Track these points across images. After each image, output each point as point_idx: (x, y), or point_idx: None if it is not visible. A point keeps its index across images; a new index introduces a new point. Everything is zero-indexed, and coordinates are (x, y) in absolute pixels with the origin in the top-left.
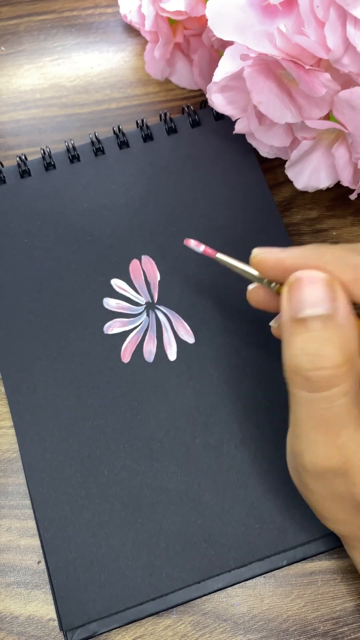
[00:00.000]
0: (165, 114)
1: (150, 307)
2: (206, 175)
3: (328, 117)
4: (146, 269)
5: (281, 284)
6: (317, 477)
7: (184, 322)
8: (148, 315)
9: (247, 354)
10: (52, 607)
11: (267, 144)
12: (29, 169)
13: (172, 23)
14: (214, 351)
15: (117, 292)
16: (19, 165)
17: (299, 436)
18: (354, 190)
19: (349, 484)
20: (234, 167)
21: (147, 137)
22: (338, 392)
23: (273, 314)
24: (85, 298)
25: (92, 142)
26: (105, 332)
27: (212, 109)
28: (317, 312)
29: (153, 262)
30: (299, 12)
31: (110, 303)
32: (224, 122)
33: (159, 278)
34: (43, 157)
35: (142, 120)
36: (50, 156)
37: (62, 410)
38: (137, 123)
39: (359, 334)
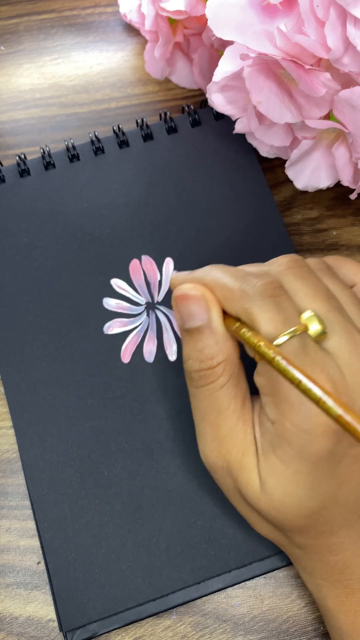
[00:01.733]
0: (165, 114)
1: (150, 307)
2: (206, 174)
3: (328, 116)
4: (146, 268)
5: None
6: (212, 472)
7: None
8: (148, 315)
9: (247, 354)
10: (52, 608)
11: (267, 144)
12: (28, 168)
13: (172, 22)
14: None
15: (117, 292)
16: (18, 164)
17: (197, 432)
18: (354, 190)
19: (233, 480)
20: (234, 167)
21: (147, 137)
22: (215, 386)
23: None
24: (85, 298)
25: (92, 142)
26: (105, 332)
27: (212, 108)
28: (196, 324)
29: (153, 262)
30: (299, 11)
31: (110, 303)
32: (224, 121)
33: (159, 278)
34: (43, 157)
35: (142, 120)
36: (49, 155)
37: (62, 411)
38: (137, 122)
39: (234, 338)
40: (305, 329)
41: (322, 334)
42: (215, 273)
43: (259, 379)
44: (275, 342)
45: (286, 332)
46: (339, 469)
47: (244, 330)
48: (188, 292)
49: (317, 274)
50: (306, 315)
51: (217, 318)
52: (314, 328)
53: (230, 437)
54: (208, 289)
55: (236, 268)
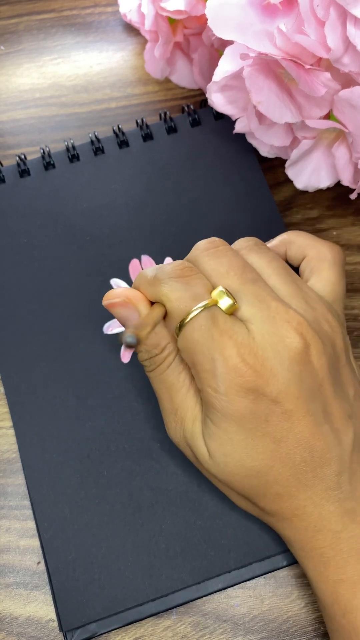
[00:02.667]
0: (165, 113)
1: None
2: (206, 174)
3: (328, 116)
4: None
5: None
6: (179, 448)
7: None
8: None
9: None
10: (52, 608)
11: (267, 144)
12: (28, 169)
13: (172, 22)
14: None
15: None
16: (18, 164)
17: (162, 413)
18: (354, 189)
19: (191, 451)
20: (234, 167)
21: (147, 137)
22: (163, 366)
23: None
24: (85, 298)
25: (92, 142)
26: (105, 332)
27: (212, 108)
28: (131, 323)
29: (153, 261)
30: (299, 11)
31: None
32: (224, 121)
33: None
34: (42, 157)
35: (142, 120)
36: (49, 155)
37: (61, 411)
38: (136, 122)
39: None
40: (214, 303)
41: (233, 306)
42: (141, 272)
43: (180, 352)
44: (187, 319)
45: (195, 308)
46: (270, 427)
47: (152, 313)
48: (112, 300)
49: (241, 252)
50: (216, 291)
51: (146, 311)
52: (225, 302)
53: (182, 407)
54: (132, 289)
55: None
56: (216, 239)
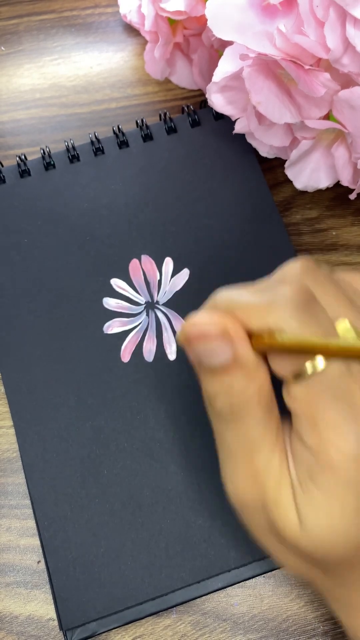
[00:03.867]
0: (165, 114)
1: (149, 306)
2: (206, 175)
3: (328, 116)
4: (146, 268)
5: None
6: (242, 510)
7: (183, 321)
8: (148, 314)
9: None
10: (52, 607)
11: (266, 144)
12: (28, 169)
13: (172, 23)
14: None
15: (117, 292)
16: (18, 164)
17: (223, 469)
18: (353, 190)
19: (266, 518)
20: (233, 167)
21: (147, 137)
22: (249, 420)
23: None
24: (85, 298)
25: (92, 142)
26: (105, 332)
27: (211, 108)
28: (219, 362)
29: (153, 261)
30: (299, 12)
31: (110, 303)
32: (224, 121)
33: (158, 278)
34: (43, 157)
35: (142, 120)
36: (50, 156)
37: (62, 410)
38: (136, 123)
39: (264, 365)
40: None
41: None
42: (228, 293)
43: (291, 402)
44: (313, 367)
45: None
46: None
47: (288, 338)
48: (204, 329)
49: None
50: (342, 326)
51: (246, 349)
52: (355, 342)
53: (265, 471)
54: (225, 314)
55: (247, 284)
56: (308, 258)
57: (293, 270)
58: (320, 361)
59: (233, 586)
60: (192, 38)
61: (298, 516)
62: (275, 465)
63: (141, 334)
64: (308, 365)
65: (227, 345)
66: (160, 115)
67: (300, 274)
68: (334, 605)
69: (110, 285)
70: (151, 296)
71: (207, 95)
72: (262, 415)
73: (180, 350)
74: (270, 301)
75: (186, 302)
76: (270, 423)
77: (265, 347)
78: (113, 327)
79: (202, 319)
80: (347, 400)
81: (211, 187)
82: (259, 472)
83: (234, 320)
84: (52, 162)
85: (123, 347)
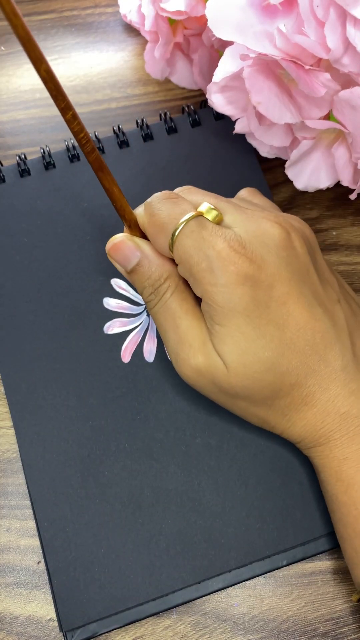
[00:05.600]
0: (165, 114)
1: None
2: (206, 175)
3: (328, 117)
4: None
5: None
6: (190, 381)
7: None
8: (148, 315)
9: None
10: (52, 608)
11: (267, 144)
12: (28, 168)
13: (172, 23)
14: None
15: (117, 292)
16: (18, 164)
17: (166, 349)
18: (353, 190)
19: (205, 376)
20: (234, 167)
21: (147, 137)
22: (165, 296)
23: None
24: (85, 298)
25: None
26: (105, 332)
27: (212, 108)
28: (134, 262)
29: None
30: (299, 12)
31: (110, 303)
32: (224, 121)
33: None
34: (43, 157)
35: (142, 120)
36: (50, 155)
37: (62, 410)
38: (137, 123)
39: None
40: (201, 214)
41: (218, 216)
42: (141, 208)
43: (179, 269)
44: (178, 229)
45: (184, 218)
46: (271, 313)
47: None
48: (115, 241)
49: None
50: (202, 207)
51: (147, 246)
52: (210, 213)
53: (189, 333)
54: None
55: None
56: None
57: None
58: (183, 224)
59: (233, 587)
60: (193, 38)
61: (220, 358)
62: (197, 328)
63: (142, 334)
64: (177, 230)
65: (132, 246)
66: (160, 115)
67: (179, 190)
68: (299, 447)
69: (111, 285)
70: None
71: (207, 95)
72: (176, 291)
73: None
74: (147, 204)
75: None
76: (185, 296)
77: (133, 230)
78: (113, 327)
79: (115, 237)
80: (203, 244)
81: (211, 187)
82: (185, 336)
83: (134, 230)
84: (52, 162)
85: (123, 347)
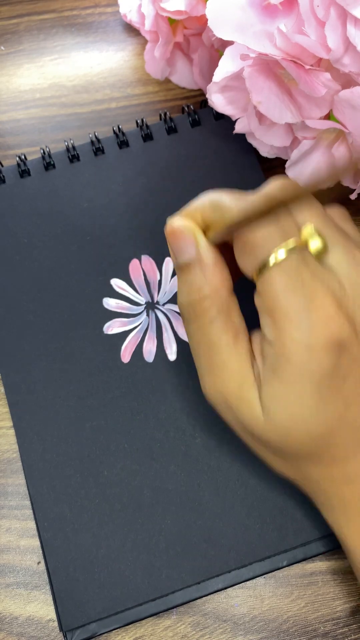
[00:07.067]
0: (165, 114)
1: (150, 306)
2: (206, 175)
3: (328, 116)
4: (146, 268)
5: None
6: (214, 407)
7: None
8: (148, 315)
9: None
10: (52, 608)
11: (267, 144)
12: (28, 169)
13: (172, 22)
14: None
15: (117, 292)
16: (18, 164)
17: (197, 369)
18: (354, 190)
19: (234, 414)
20: (234, 167)
21: (147, 137)
22: (205, 321)
23: None
24: (85, 298)
25: (92, 142)
26: (105, 332)
27: (212, 108)
28: (186, 258)
29: (153, 261)
30: (299, 11)
31: (110, 303)
32: (224, 121)
33: (158, 278)
34: (43, 157)
35: (142, 120)
36: (50, 156)
37: (62, 410)
38: (137, 123)
39: (227, 271)
40: (304, 245)
41: (323, 249)
42: (210, 195)
43: (257, 300)
44: (275, 258)
45: (283, 250)
46: (345, 388)
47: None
48: (175, 227)
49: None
50: (307, 230)
51: (206, 249)
52: (315, 244)
53: (224, 370)
54: (201, 214)
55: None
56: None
57: (270, 184)
58: (281, 253)
59: (233, 587)
60: (193, 38)
61: (262, 409)
62: (234, 365)
63: (141, 335)
64: (271, 258)
65: (191, 242)
66: (160, 115)
67: (273, 187)
68: (323, 513)
69: (111, 286)
70: (151, 296)
71: (207, 95)
72: (218, 319)
73: (180, 351)
74: (239, 208)
75: None
76: (227, 327)
77: (215, 233)
78: (113, 327)
79: (175, 221)
80: (301, 290)
81: (211, 187)
82: (218, 371)
83: (200, 221)
84: (52, 162)
85: (123, 347)
